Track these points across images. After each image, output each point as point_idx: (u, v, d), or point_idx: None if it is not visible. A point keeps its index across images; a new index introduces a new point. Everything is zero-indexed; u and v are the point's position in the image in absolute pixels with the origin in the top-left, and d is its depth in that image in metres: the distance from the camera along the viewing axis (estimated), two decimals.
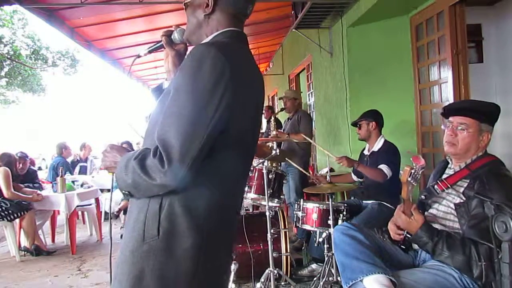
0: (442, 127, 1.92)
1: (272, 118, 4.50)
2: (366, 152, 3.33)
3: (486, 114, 1.85)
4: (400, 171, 1.72)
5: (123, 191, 1.13)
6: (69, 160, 6.45)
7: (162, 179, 1.02)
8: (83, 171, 6.67)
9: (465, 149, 1.83)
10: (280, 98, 4.65)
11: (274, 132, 4.23)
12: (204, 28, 1.25)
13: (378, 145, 3.21)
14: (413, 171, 1.65)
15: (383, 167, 3.03)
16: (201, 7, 1.23)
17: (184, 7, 1.30)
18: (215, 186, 1.14)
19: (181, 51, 1.35)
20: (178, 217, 1.09)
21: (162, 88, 1.35)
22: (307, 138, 3.80)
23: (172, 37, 1.34)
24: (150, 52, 1.43)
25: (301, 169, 3.58)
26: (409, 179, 1.65)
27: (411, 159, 1.69)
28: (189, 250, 1.09)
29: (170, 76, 1.32)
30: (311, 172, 3.20)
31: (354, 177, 3.42)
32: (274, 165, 3.54)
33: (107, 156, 1.20)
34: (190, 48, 1.24)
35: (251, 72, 1.22)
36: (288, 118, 4.65)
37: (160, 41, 1.36)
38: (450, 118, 1.88)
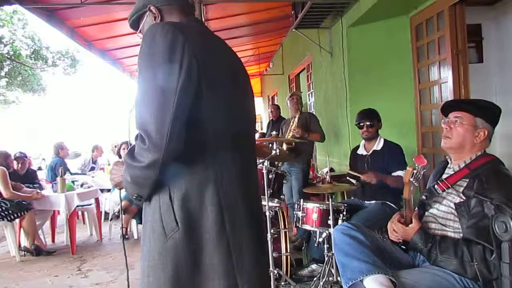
0: (442, 124, 1.93)
1: (297, 116, 4.31)
2: (363, 152, 3.30)
3: (481, 109, 1.86)
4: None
5: (133, 197, 1.13)
6: (76, 160, 6.45)
7: (149, 157, 1.03)
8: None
9: (459, 143, 1.83)
10: (291, 96, 4.45)
11: (294, 129, 4.16)
12: None
13: (379, 144, 3.21)
14: (415, 171, 1.65)
15: (400, 173, 2.98)
16: (152, 22, 1.28)
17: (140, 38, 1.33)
18: (216, 166, 1.13)
19: None
20: (191, 202, 1.10)
21: None
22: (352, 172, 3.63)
23: None
24: None
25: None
26: (411, 179, 1.65)
27: (413, 159, 1.70)
28: (212, 231, 1.09)
29: None
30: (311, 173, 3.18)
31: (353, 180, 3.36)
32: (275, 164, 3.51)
33: (114, 173, 1.22)
34: None
35: (209, 40, 1.24)
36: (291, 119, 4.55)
37: None
38: (449, 115, 1.90)
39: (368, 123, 3.22)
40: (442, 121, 1.93)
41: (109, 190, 5.62)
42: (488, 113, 1.86)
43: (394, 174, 3.05)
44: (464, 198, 1.74)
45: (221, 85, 1.16)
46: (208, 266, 1.09)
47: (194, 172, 1.11)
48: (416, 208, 1.98)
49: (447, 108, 1.95)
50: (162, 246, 1.11)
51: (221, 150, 1.14)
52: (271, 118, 6.34)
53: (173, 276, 1.09)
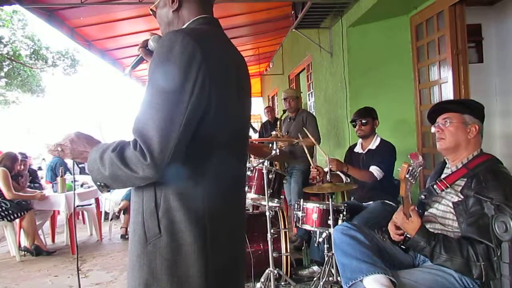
0: (432, 129, 1.96)
1: (278, 123, 4.47)
2: (359, 151, 3.31)
3: (466, 106, 1.90)
4: (398, 169, 1.71)
5: (98, 183, 1.10)
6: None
7: (145, 172, 1.01)
8: (83, 171, 6.66)
9: (454, 142, 1.85)
10: (284, 99, 4.48)
11: (279, 135, 4.20)
12: (175, 24, 1.23)
13: (375, 143, 3.22)
14: (410, 168, 1.65)
15: (373, 169, 3.05)
16: (166, 5, 1.23)
17: (151, 13, 1.29)
18: (208, 176, 1.11)
19: None
20: (176, 211, 1.08)
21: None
22: (317, 146, 3.69)
23: (148, 46, 1.31)
24: (133, 68, 1.42)
25: (309, 159, 3.40)
26: (407, 176, 1.65)
27: (408, 156, 1.70)
28: (194, 244, 1.08)
29: None
30: (312, 165, 3.16)
31: (343, 177, 3.37)
32: (276, 165, 3.51)
33: (76, 145, 1.16)
34: None
35: (226, 54, 1.19)
36: (289, 118, 4.52)
37: (139, 55, 1.34)
38: (437, 119, 1.94)
39: (361, 121, 3.22)
40: (432, 126, 1.95)
41: (109, 190, 5.62)
42: (474, 109, 1.89)
43: (369, 169, 3.07)
44: (462, 197, 1.74)
45: (227, 96, 1.13)
46: (183, 278, 1.09)
47: (185, 184, 1.09)
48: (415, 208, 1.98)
49: (432, 114, 1.98)
50: (142, 250, 1.10)
51: (216, 161, 1.12)
52: (267, 119, 6.46)
53: (147, 280, 1.09)
